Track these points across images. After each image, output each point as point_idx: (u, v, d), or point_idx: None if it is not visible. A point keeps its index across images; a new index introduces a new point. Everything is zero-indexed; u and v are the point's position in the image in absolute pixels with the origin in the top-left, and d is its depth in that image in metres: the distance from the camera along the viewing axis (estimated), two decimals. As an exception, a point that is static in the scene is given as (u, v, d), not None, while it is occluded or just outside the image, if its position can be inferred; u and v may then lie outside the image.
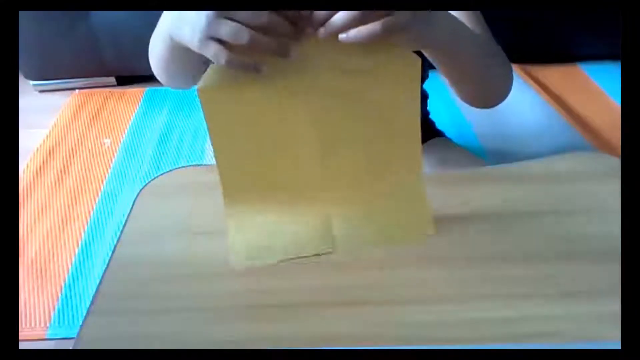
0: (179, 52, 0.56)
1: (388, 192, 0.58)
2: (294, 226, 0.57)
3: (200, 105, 0.51)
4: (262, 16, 0.46)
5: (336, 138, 0.55)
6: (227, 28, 0.47)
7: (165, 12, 0.59)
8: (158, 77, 0.73)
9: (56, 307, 1.11)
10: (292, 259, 0.56)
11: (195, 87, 0.51)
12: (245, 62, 0.49)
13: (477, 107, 0.77)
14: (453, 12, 0.60)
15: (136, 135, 1.66)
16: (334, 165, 0.56)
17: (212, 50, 0.48)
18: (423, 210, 0.58)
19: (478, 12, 0.70)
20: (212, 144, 0.54)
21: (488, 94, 0.73)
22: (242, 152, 0.55)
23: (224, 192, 0.56)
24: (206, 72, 0.50)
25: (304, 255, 0.56)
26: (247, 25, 0.46)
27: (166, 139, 1.64)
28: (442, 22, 0.56)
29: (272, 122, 0.54)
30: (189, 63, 0.61)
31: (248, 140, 0.54)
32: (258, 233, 0.57)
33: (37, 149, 1.60)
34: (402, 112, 0.55)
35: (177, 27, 0.53)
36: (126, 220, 0.62)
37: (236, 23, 0.47)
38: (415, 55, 0.52)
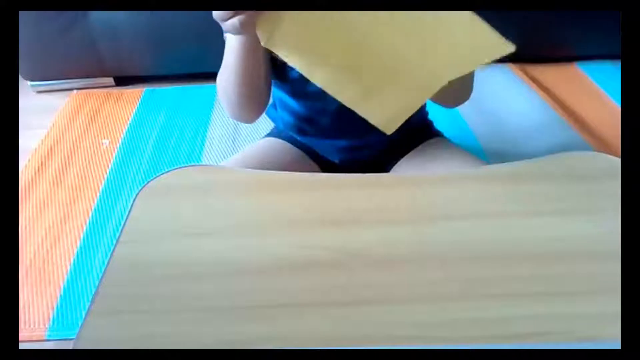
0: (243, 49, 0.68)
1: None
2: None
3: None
4: None
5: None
6: None
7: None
8: (230, 111, 0.82)
9: (55, 308, 1.11)
10: None
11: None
12: None
13: (446, 105, 0.83)
14: None
15: (135, 135, 1.66)
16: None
17: None
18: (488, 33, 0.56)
19: None
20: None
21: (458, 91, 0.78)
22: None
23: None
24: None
25: None
26: None
27: (165, 139, 1.64)
28: None
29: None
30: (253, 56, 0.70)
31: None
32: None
33: (36, 150, 1.59)
34: None
35: None
36: (125, 221, 0.62)
37: None
38: None
